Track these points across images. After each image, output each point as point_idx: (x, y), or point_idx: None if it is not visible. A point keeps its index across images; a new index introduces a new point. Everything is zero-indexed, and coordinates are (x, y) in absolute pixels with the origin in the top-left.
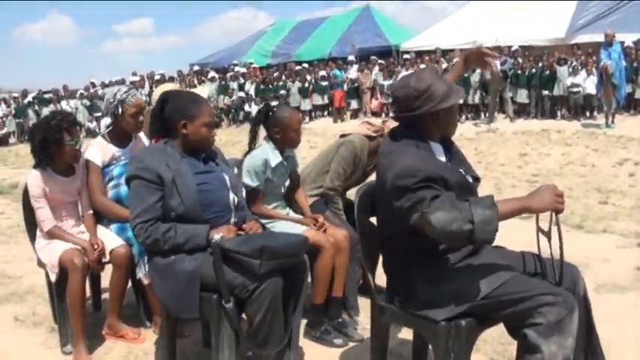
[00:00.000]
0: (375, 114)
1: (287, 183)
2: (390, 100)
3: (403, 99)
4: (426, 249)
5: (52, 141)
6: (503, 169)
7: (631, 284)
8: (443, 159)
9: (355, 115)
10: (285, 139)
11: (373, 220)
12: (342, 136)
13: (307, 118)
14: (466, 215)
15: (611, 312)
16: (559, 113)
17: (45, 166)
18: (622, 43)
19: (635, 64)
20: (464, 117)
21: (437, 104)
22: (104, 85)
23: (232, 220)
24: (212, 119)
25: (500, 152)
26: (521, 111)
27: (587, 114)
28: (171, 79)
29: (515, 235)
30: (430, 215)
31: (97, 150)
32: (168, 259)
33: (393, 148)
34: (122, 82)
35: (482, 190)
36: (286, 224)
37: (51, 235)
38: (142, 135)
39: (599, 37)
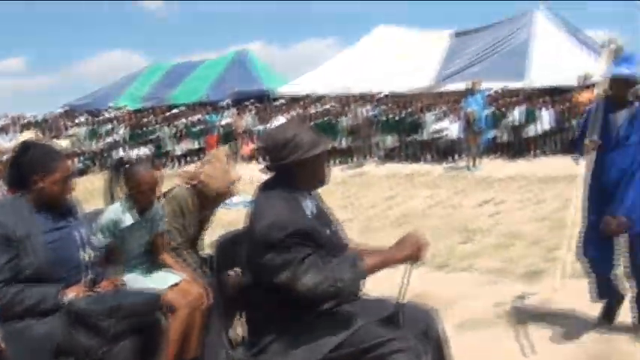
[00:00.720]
0: (250, 158)
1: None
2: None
3: (272, 148)
4: (286, 300)
5: None
6: (371, 212)
7: (492, 319)
8: (309, 212)
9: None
10: (139, 195)
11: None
12: (166, 193)
13: (178, 163)
14: (333, 277)
15: (474, 348)
16: (425, 156)
17: None
18: (485, 91)
19: (499, 111)
20: (332, 162)
21: (304, 153)
22: None
23: (87, 277)
24: (68, 174)
25: (369, 195)
26: (389, 155)
27: (452, 157)
28: (42, 123)
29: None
30: (299, 279)
31: None
32: (20, 323)
33: (262, 198)
34: None
35: (351, 233)
36: (157, 276)
37: None
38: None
39: (464, 86)
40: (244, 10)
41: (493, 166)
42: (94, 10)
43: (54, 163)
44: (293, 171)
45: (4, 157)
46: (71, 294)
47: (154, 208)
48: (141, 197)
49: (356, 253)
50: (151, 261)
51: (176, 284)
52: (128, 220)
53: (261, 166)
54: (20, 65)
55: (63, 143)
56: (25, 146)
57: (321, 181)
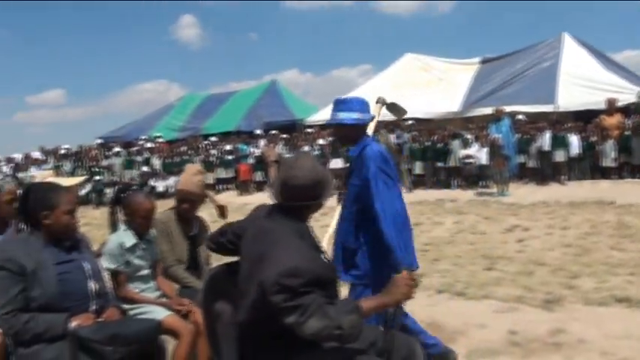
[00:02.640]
0: None
1: (150, 266)
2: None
3: (303, 186)
4: (281, 334)
5: None
6: None
7: (504, 348)
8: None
9: (260, 187)
10: (134, 223)
11: None
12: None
13: (213, 191)
14: (335, 323)
15: None
16: (454, 183)
17: None
18: (512, 116)
19: (526, 136)
20: None
21: (330, 192)
22: (8, 161)
23: (93, 307)
24: (73, 207)
25: None
26: (418, 182)
27: (482, 183)
28: (76, 154)
29: None
30: (304, 323)
31: None
32: (30, 349)
33: (274, 233)
34: (26, 157)
35: None
36: (151, 309)
37: None
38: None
39: (491, 111)
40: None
41: (521, 192)
42: (131, 42)
43: (58, 197)
44: (310, 207)
45: None
46: (77, 322)
47: (151, 233)
48: (136, 224)
49: (352, 301)
50: (154, 286)
51: (188, 310)
52: (129, 241)
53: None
54: (60, 97)
55: (68, 182)
56: (28, 188)
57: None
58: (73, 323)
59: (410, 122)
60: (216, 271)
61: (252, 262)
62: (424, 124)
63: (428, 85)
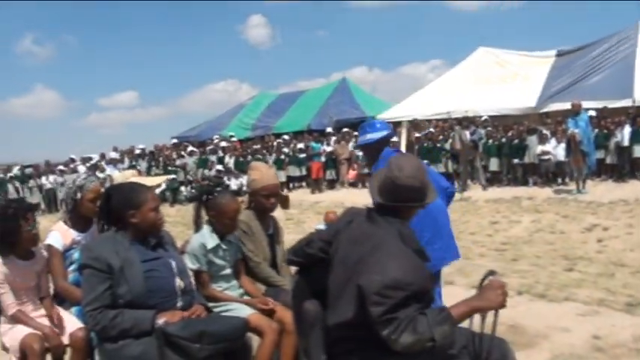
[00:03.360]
0: (352, 184)
1: (231, 266)
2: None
3: (411, 189)
4: (373, 339)
5: (10, 231)
6: (473, 238)
7: (588, 353)
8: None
9: (332, 185)
10: (219, 224)
11: None
12: None
13: (285, 189)
14: (427, 336)
15: None
16: (530, 180)
17: (7, 254)
18: (589, 110)
19: (605, 131)
20: None
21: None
22: (84, 160)
23: (178, 304)
24: (157, 204)
25: (472, 220)
26: (494, 179)
27: (559, 180)
28: (151, 154)
29: None
30: (398, 337)
31: (58, 235)
32: (116, 344)
33: (376, 237)
34: (102, 157)
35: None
36: (236, 306)
37: (15, 319)
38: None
39: (569, 106)
40: (345, 36)
41: (599, 190)
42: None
43: (143, 195)
44: (413, 209)
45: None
46: (164, 318)
47: (234, 234)
48: (222, 225)
49: (445, 308)
50: (237, 285)
51: (270, 309)
52: (211, 242)
53: (366, 192)
54: (132, 98)
55: (150, 181)
56: (110, 191)
57: None
58: (161, 320)
59: (484, 118)
60: (304, 275)
61: (349, 266)
62: (499, 120)
63: (503, 80)
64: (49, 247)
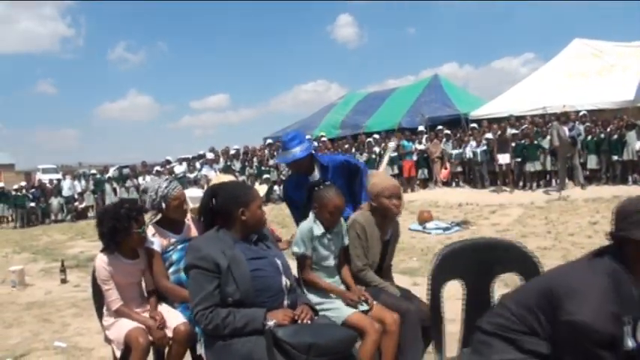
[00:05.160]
0: (445, 183)
1: (335, 257)
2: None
3: (622, 215)
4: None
5: (120, 229)
6: (572, 239)
7: None
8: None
9: (424, 184)
10: (321, 217)
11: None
12: None
13: None
14: None
15: None
16: (630, 178)
17: (113, 251)
18: None
19: None
20: (535, 184)
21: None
22: (180, 161)
23: (285, 302)
24: (262, 200)
25: (571, 221)
26: (593, 177)
27: None
28: (245, 154)
29: None
30: None
31: (155, 237)
32: (224, 341)
33: (587, 271)
34: (199, 157)
35: (550, 262)
36: (337, 305)
37: (118, 313)
38: (189, 217)
39: None
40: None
41: None
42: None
43: (250, 193)
44: (629, 250)
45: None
46: (275, 319)
47: (339, 225)
48: (323, 217)
49: None
50: (339, 282)
51: (366, 299)
52: (318, 230)
53: (459, 191)
54: (223, 101)
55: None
56: (216, 189)
57: None
58: (271, 320)
59: (582, 113)
60: (449, 250)
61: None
62: (596, 115)
63: (599, 73)
64: (148, 249)
